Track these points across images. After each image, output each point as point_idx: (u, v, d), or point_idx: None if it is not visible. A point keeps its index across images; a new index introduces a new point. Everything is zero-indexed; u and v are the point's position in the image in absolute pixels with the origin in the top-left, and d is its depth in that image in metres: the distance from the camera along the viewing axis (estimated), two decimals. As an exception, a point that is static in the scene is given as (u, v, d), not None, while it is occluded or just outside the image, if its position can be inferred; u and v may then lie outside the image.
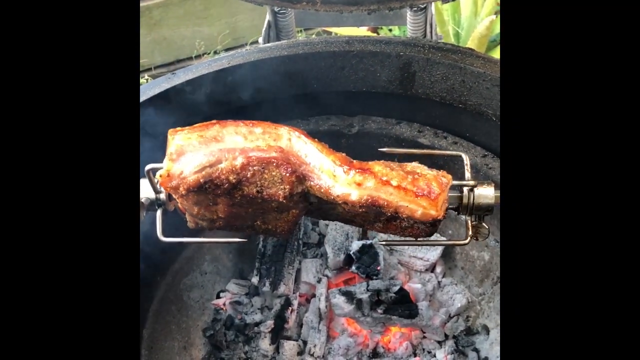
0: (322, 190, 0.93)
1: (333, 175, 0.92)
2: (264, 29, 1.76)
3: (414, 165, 0.97)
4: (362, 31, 3.33)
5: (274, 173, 0.91)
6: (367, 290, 1.57)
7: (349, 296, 1.56)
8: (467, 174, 1.05)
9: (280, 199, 0.92)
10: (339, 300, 1.56)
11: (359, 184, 0.91)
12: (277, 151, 0.92)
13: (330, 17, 1.86)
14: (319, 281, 1.67)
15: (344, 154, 0.97)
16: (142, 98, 1.39)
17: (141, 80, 3.19)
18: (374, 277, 1.62)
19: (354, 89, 1.58)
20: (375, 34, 3.52)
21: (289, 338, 1.61)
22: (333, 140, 1.65)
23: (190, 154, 0.91)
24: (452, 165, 1.59)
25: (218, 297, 1.69)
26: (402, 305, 1.56)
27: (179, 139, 0.92)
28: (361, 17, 1.83)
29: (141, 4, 3.14)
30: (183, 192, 0.91)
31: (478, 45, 2.90)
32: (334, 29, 3.33)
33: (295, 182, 0.92)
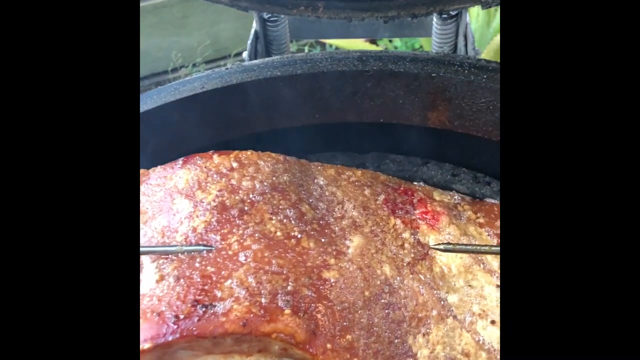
0: None
1: None
2: (249, 42, 1.39)
3: None
4: (358, 42, 2.98)
5: None
6: None
7: None
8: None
9: None
10: None
11: None
12: None
13: (334, 26, 1.49)
14: None
15: None
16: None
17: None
18: None
19: (367, 119, 1.24)
20: (375, 46, 3.19)
21: None
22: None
23: None
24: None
25: None
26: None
27: None
28: (373, 26, 1.46)
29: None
30: None
31: (494, 57, 2.66)
32: (329, 41, 2.99)
33: None
